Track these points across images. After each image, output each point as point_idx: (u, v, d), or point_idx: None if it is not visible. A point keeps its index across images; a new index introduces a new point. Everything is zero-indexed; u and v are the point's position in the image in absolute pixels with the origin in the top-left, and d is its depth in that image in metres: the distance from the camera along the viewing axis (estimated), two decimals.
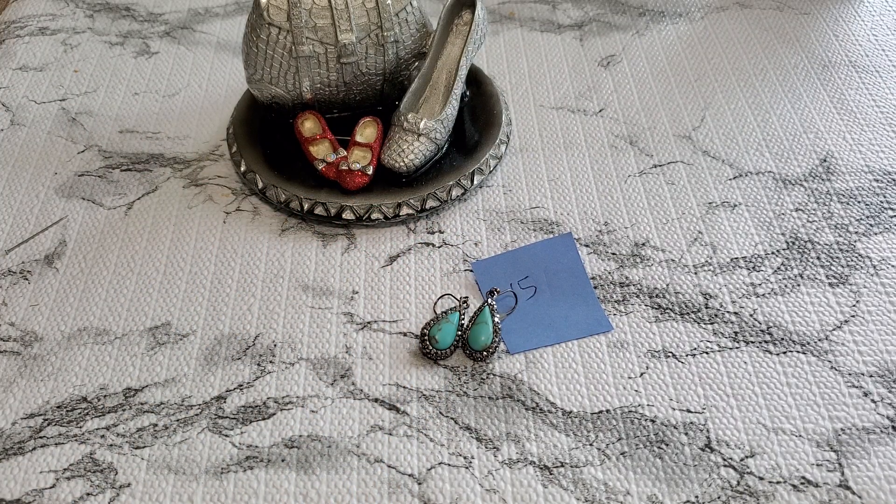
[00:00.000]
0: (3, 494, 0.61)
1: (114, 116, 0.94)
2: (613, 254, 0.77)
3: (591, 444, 0.63)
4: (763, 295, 0.73)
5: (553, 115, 0.92)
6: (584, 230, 0.79)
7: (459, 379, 0.67)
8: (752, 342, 0.69)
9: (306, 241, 0.79)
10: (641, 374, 0.67)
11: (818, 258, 0.76)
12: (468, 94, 0.91)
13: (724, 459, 0.62)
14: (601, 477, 0.61)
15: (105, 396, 0.67)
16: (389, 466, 0.62)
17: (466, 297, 0.72)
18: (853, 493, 0.59)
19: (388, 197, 0.79)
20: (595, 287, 0.74)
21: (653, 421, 0.64)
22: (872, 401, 0.65)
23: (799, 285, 0.73)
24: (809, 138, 0.88)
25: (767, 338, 0.69)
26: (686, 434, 0.63)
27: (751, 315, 0.71)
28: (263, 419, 0.65)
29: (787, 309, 0.71)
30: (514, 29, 1.05)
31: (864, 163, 0.85)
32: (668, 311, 0.72)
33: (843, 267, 0.75)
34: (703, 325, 0.71)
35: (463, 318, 0.70)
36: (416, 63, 0.86)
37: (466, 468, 0.62)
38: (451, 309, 0.71)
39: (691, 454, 0.62)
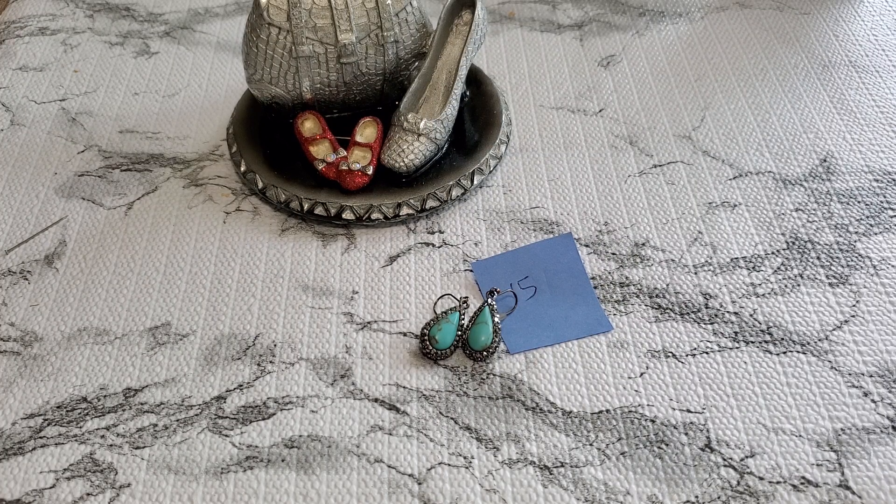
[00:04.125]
0: (3, 494, 0.61)
1: (114, 116, 0.94)
2: (613, 254, 0.77)
3: (591, 444, 0.63)
4: (763, 295, 0.73)
5: (553, 115, 0.92)
6: (584, 230, 0.79)
7: (459, 379, 0.67)
8: (752, 342, 0.69)
9: (306, 241, 0.79)
10: (641, 374, 0.67)
11: (818, 258, 0.76)
12: (468, 94, 0.91)
13: (724, 459, 0.62)
14: (601, 477, 0.61)
15: (105, 396, 0.67)
16: (389, 466, 0.62)
17: (466, 297, 0.72)
18: (853, 493, 0.59)
19: (388, 197, 0.79)
20: (595, 287, 0.74)
21: (653, 421, 0.64)
22: (872, 401, 0.65)
23: (799, 285, 0.73)
24: (809, 138, 0.88)
25: (767, 338, 0.69)
26: (686, 434, 0.63)
27: (751, 315, 0.71)
28: (263, 419, 0.65)
29: (787, 309, 0.71)
30: (514, 29, 1.05)
31: (864, 163, 0.85)
32: (668, 311, 0.72)
33: (843, 267, 0.75)
34: (703, 325, 0.71)
35: (463, 318, 0.70)
36: (416, 63, 0.86)
37: (466, 468, 0.62)
38: (451, 309, 0.71)
39: (691, 454, 0.62)
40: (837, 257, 0.76)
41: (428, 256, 0.77)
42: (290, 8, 0.78)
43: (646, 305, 0.72)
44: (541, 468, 0.62)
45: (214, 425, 0.65)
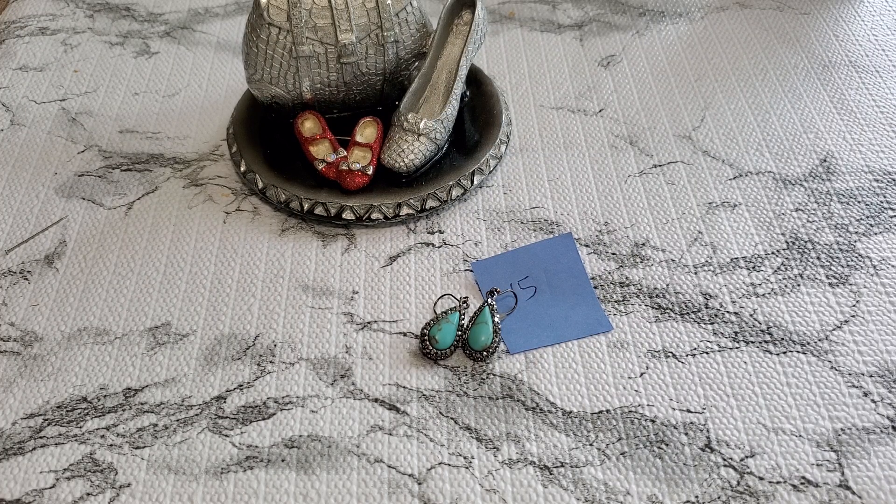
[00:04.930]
0: (3, 494, 0.61)
1: (114, 116, 0.94)
2: (613, 254, 0.77)
3: (591, 444, 0.63)
4: (763, 295, 0.73)
5: (553, 115, 0.92)
6: (584, 230, 0.79)
7: (459, 379, 0.67)
8: (752, 342, 0.69)
9: (306, 241, 0.79)
10: (641, 374, 0.67)
11: (818, 258, 0.76)
12: (468, 94, 0.91)
13: (724, 459, 0.62)
14: (601, 477, 0.61)
15: (105, 396, 0.67)
16: (389, 466, 0.62)
17: (466, 297, 0.72)
18: (853, 493, 0.59)
19: (388, 197, 0.79)
20: (595, 287, 0.74)
21: (653, 421, 0.64)
22: (872, 401, 0.65)
23: (799, 285, 0.73)
24: (809, 138, 0.88)
25: (767, 338, 0.69)
26: (686, 434, 0.63)
27: (751, 315, 0.71)
28: (263, 419, 0.65)
29: (787, 309, 0.71)
30: (514, 29, 1.05)
31: (864, 163, 0.85)
32: (668, 311, 0.72)
33: (843, 267, 0.75)
34: (703, 325, 0.71)
35: (463, 318, 0.70)
36: (416, 63, 0.86)
37: (466, 468, 0.62)
38: (451, 309, 0.71)
39: (691, 454, 0.62)
40: (837, 257, 0.76)
41: (428, 256, 0.77)
42: (290, 8, 0.78)
43: (646, 305, 0.72)
44: (541, 468, 0.62)
45: (214, 425, 0.65)
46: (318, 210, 0.79)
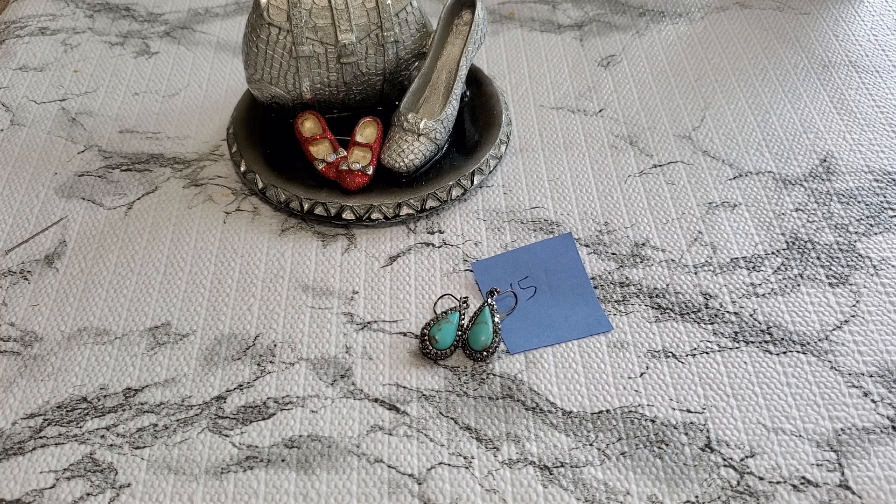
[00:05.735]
0: (3, 494, 0.61)
1: (114, 116, 0.94)
2: (613, 254, 0.77)
3: (591, 444, 0.63)
4: (763, 295, 0.73)
5: (553, 115, 0.92)
6: (584, 230, 0.79)
7: (459, 379, 0.67)
8: (752, 342, 0.69)
9: (306, 241, 0.79)
10: (641, 374, 0.67)
11: (818, 258, 0.76)
12: (468, 94, 0.91)
13: (724, 459, 0.62)
14: (601, 477, 0.61)
15: (105, 396, 0.67)
16: (389, 466, 0.62)
17: (466, 297, 0.72)
18: (853, 493, 0.59)
19: (388, 197, 0.79)
20: (595, 287, 0.74)
21: (653, 421, 0.64)
22: (872, 401, 0.65)
23: (799, 285, 0.73)
24: (809, 138, 0.88)
25: (767, 338, 0.69)
26: (686, 434, 0.63)
27: (751, 315, 0.71)
28: (263, 419, 0.65)
29: (787, 309, 0.71)
30: (514, 29, 1.05)
31: (864, 163, 0.85)
32: (668, 311, 0.72)
33: (843, 267, 0.75)
34: (703, 325, 0.71)
35: (463, 318, 0.70)
36: (416, 63, 0.86)
37: (466, 468, 0.62)
38: (451, 309, 0.71)
39: (691, 454, 0.62)
40: (837, 257, 0.76)
41: (428, 256, 0.77)
42: (290, 8, 0.78)
43: (646, 305, 0.72)
44: (541, 468, 0.62)
45: (214, 425, 0.65)
46: (318, 210, 0.79)
